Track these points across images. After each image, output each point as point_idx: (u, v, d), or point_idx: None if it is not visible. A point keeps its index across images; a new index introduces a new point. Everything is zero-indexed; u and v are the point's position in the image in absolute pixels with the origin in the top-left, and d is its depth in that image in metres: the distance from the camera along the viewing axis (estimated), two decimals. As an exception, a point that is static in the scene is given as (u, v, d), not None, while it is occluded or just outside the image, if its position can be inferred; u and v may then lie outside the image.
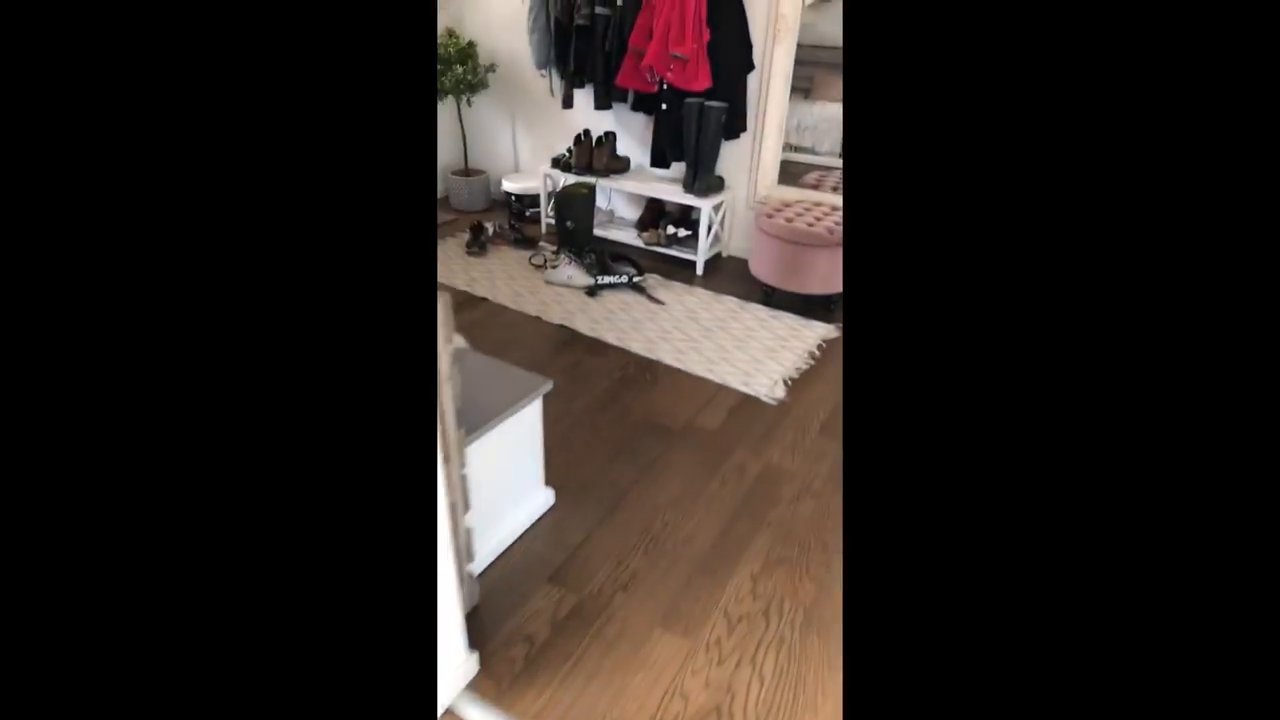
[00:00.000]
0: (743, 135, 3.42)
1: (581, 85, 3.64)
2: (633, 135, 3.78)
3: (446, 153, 4.30)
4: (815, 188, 4.00)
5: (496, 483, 1.65)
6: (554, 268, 3.32)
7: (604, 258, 3.30)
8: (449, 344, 1.13)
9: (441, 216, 4.06)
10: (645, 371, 2.58)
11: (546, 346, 2.75)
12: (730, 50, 3.21)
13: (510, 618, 1.54)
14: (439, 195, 4.37)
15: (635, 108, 3.56)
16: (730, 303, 3.17)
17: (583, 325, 2.90)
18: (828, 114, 5.29)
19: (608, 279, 3.22)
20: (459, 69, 3.79)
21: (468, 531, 1.41)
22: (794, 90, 3.76)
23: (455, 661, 1.34)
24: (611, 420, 2.27)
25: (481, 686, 1.39)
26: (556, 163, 3.76)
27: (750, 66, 3.27)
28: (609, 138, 3.68)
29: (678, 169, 3.58)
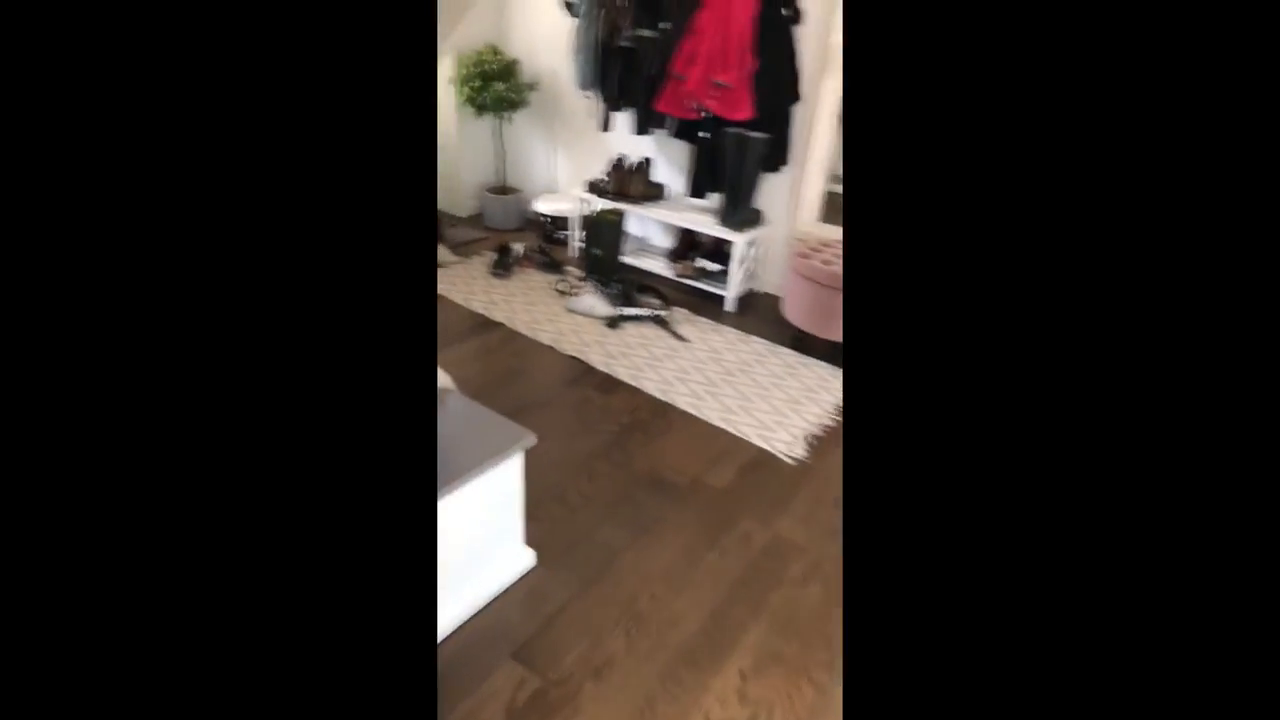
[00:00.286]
0: (785, 169, 3.25)
1: (620, 109, 3.52)
2: (673, 163, 3.64)
3: (483, 170, 4.24)
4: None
5: (466, 544, 1.50)
6: (576, 295, 3.19)
7: (630, 289, 3.15)
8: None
9: (473, 234, 3.98)
10: (657, 416, 2.41)
11: (555, 380, 2.60)
12: (776, 80, 3.05)
13: (466, 697, 1.39)
14: (474, 212, 4.31)
15: (677, 135, 3.42)
16: (758, 345, 2.98)
17: (597, 358, 2.75)
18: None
19: (631, 311, 3.07)
20: (500, 85, 3.73)
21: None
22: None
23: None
24: (612, 469, 2.11)
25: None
26: (592, 187, 3.65)
27: (797, 98, 3.11)
28: (645, 164, 3.55)
29: (715, 200, 3.42)
